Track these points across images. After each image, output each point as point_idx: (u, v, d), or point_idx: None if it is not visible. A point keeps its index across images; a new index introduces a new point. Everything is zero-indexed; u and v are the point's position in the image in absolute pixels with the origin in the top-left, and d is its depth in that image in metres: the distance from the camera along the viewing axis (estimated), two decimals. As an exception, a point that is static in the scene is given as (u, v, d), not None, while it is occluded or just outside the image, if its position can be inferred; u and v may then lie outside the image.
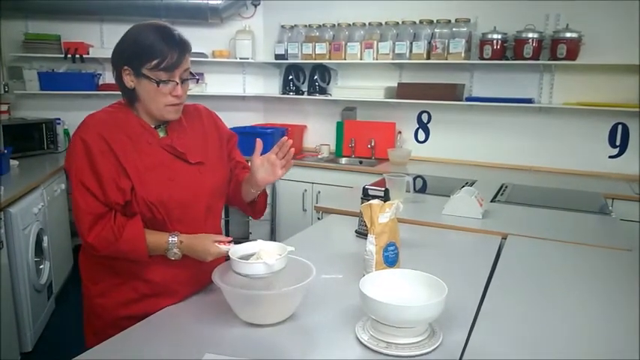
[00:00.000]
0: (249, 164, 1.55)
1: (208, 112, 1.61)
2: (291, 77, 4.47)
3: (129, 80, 1.37)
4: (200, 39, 4.37)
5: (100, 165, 1.32)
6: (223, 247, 1.34)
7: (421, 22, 3.89)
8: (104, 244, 1.33)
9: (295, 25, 4.38)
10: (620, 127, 3.52)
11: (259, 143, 1.48)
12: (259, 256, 1.29)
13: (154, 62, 1.32)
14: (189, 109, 1.55)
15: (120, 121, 1.40)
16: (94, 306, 1.48)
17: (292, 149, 1.49)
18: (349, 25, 4.17)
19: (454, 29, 3.76)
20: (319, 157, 4.30)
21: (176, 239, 1.37)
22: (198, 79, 1.45)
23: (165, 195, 1.38)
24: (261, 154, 1.50)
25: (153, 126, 1.44)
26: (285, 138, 1.50)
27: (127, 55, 1.35)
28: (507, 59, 3.61)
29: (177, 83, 1.37)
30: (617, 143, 3.54)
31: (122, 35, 1.38)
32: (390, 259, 1.51)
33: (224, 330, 1.26)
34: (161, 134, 1.45)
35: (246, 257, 1.31)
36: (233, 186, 1.63)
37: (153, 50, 1.32)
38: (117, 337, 1.23)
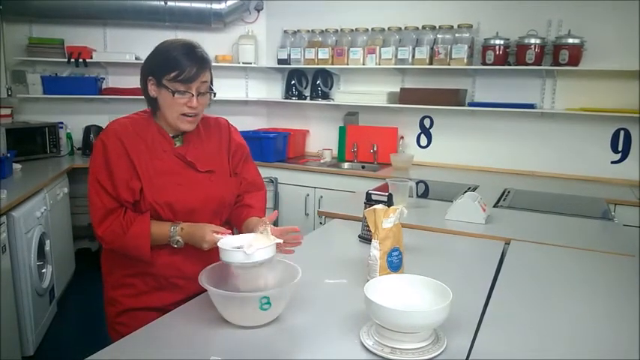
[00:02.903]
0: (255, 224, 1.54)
1: (227, 126, 1.69)
2: (293, 82, 4.48)
3: (152, 90, 1.48)
4: (203, 44, 4.34)
5: (114, 166, 1.44)
6: (218, 237, 1.39)
7: (424, 27, 3.90)
8: (112, 237, 1.44)
9: (298, 31, 4.40)
10: (622, 132, 3.52)
11: (275, 214, 1.52)
12: (247, 247, 1.30)
13: (173, 74, 1.42)
14: (211, 122, 1.65)
15: (140, 127, 1.51)
16: (107, 297, 1.60)
17: (299, 242, 1.48)
18: (352, 30, 4.18)
19: (457, 35, 3.78)
20: (322, 161, 4.31)
21: (178, 228, 1.47)
22: (215, 94, 1.55)
23: (172, 198, 1.48)
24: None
25: (171, 135, 1.54)
26: (299, 236, 1.48)
27: (152, 67, 1.47)
28: (510, 65, 3.62)
29: (193, 95, 1.45)
30: (620, 149, 3.54)
31: (153, 49, 1.50)
32: (394, 264, 1.51)
33: (229, 333, 1.26)
34: (177, 143, 1.55)
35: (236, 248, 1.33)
36: (235, 215, 1.67)
37: (174, 63, 1.42)
38: (121, 342, 1.23)
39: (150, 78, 1.47)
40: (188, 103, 1.45)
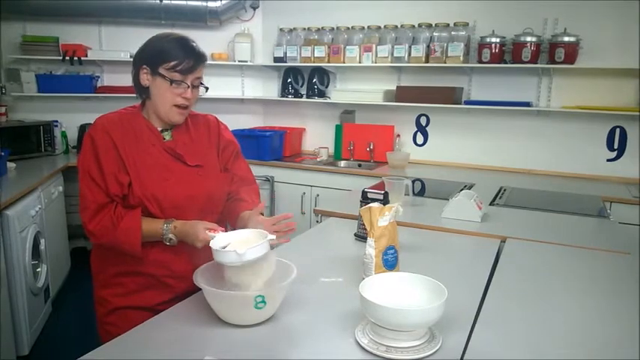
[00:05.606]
0: (247, 216, 1.54)
1: (216, 122, 1.70)
2: (290, 80, 4.47)
3: (145, 79, 1.50)
4: (199, 42, 4.35)
5: (103, 160, 1.45)
6: (211, 235, 1.38)
7: (420, 25, 3.90)
8: (103, 231, 1.44)
9: (294, 28, 4.39)
10: (617, 130, 3.53)
11: (261, 205, 1.53)
12: (239, 247, 1.29)
13: (172, 63, 1.46)
14: (199, 118, 1.66)
15: (128, 122, 1.52)
16: (97, 297, 1.59)
17: (292, 229, 1.49)
18: (348, 28, 4.17)
19: (453, 33, 3.77)
20: (318, 160, 4.30)
21: (171, 225, 1.46)
22: (207, 88, 1.59)
23: (159, 193, 1.48)
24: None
25: (160, 129, 1.55)
26: (292, 223, 1.49)
27: (148, 56, 1.49)
28: (506, 63, 3.63)
29: (188, 86, 1.49)
30: (615, 146, 3.55)
31: (147, 40, 1.52)
32: (390, 262, 1.51)
33: (223, 332, 1.25)
34: (166, 137, 1.56)
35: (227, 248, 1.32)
36: (229, 210, 1.66)
37: (173, 53, 1.46)
38: (113, 342, 1.22)
39: (144, 67, 1.49)
40: (183, 94, 1.48)
